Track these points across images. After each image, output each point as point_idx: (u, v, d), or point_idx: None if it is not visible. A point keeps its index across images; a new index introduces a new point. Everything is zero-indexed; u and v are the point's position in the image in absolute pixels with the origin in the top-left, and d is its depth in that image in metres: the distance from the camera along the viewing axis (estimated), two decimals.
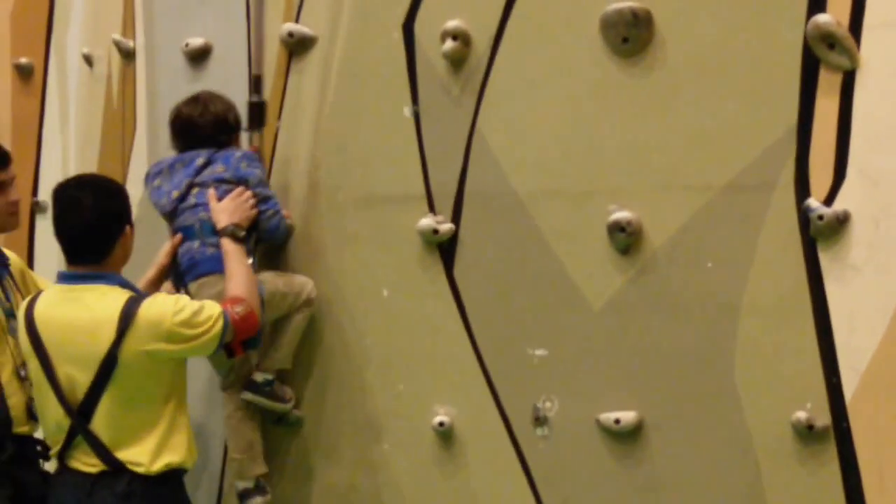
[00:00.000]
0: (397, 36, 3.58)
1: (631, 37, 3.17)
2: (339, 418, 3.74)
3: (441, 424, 3.49)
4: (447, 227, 3.49)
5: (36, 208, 4.86)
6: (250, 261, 3.42)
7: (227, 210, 3.39)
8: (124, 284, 3.12)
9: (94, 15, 4.65)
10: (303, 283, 3.67)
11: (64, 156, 4.83)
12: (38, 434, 3.54)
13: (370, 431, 3.68)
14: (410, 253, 3.56)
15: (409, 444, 3.61)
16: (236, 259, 3.28)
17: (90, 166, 4.56)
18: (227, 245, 3.33)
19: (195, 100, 3.66)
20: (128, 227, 3.15)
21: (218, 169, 3.52)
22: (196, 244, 3.48)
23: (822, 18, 2.92)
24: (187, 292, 3.43)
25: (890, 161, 2.88)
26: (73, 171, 4.61)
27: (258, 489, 3.72)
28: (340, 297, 3.72)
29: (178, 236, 3.53)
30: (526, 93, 3.36)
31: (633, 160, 3.20)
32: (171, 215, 3.56)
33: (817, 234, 2.96)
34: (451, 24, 3.44)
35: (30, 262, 4.83)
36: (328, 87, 3.76)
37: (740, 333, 3.06)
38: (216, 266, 3.40)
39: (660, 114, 3.16)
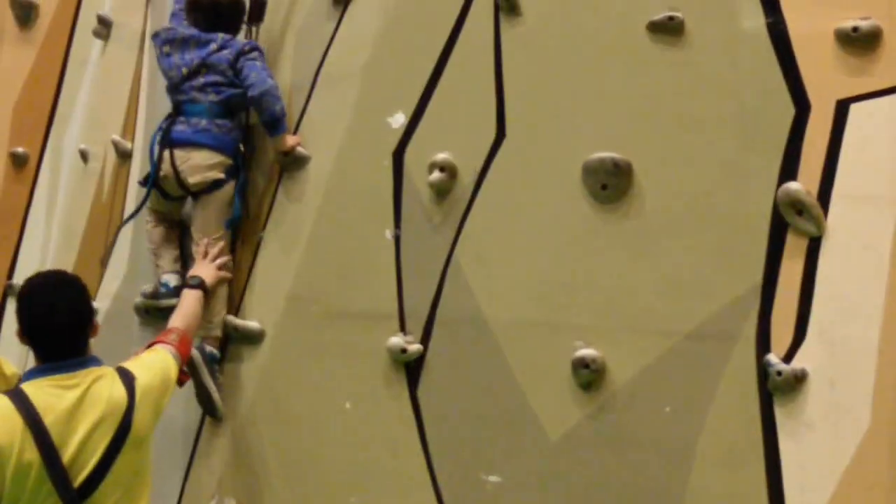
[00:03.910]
0: (387, 163, 3.71)
1: (610, 184, 3.29)
2: None
3: None
4: (415, 347, 3.54)
5: (9, 290, 4.86)
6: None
7: (201, 268, 3.92)
8: (103, 364, 3.15)
9: (96, 114, 4.78)
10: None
11: (45, 243, 4.86)
12: None
13: None
14: (377, 369, 3.59)
15: None
16: (189, 299, 3.82)
17: (70, 256, 4.60)
18: (187, 290, 3.84)
19: None
20: (95, 320, 3.20)
21: (225, 53, 3.94)
22: (203, 122, 3.93)
23: (792, 186, 3.06)
24: (171, 155, 3.90)
25: (849, 326, 2.97)
26: (51, 258, 4.66)
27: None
28: (303, 405, 3.73)
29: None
30: (505, 227, 3.46)
31: (603, 300, 3.28)
32: (174, 87, 3.99)
33: (775, 389, 3.02)
34: (440, 156, 3.57)
35: None
36: (315, 203, 3.87)
37: (692, 480, 3.08)
38: (210, 141, 3.93)
39: (632, 259, 3.25)
